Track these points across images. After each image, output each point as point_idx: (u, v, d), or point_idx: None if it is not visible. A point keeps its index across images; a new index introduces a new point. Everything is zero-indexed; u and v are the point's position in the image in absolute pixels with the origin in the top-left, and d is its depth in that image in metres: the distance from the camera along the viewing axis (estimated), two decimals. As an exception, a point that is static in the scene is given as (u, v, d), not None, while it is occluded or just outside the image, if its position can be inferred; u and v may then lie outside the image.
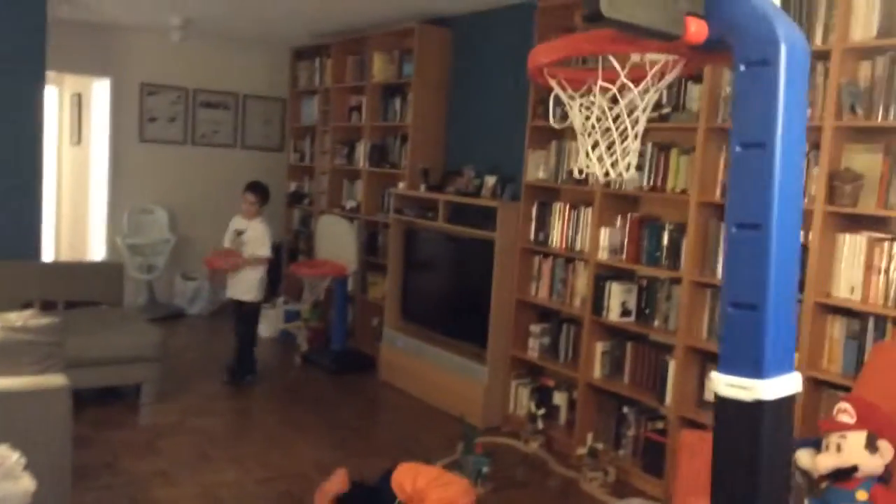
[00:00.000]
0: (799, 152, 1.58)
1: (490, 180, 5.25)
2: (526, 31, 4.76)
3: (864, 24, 3.25)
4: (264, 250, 5.59)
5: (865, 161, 3.30)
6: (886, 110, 3.19)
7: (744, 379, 1.60)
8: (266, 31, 7.24)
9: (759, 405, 1.59)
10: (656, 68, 1.80)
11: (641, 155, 4.22)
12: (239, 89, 8.13)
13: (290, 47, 7.86)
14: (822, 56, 3.38)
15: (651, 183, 4.18)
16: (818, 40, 3.40)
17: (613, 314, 4.32)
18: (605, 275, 4.39)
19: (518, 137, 5.00)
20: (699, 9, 1.60)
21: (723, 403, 1.65)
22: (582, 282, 4.56)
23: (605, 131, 1.89)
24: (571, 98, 1.93)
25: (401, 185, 6.06)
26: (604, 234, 4.38)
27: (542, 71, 1.92)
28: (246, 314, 5.64)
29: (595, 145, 1.91)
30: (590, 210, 4.48)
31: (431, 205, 5.50)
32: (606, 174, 1.92)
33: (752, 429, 1.61)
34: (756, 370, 1.59)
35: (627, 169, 1.92)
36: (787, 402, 1.63)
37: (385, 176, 6.47)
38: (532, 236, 4.89)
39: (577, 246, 4.61)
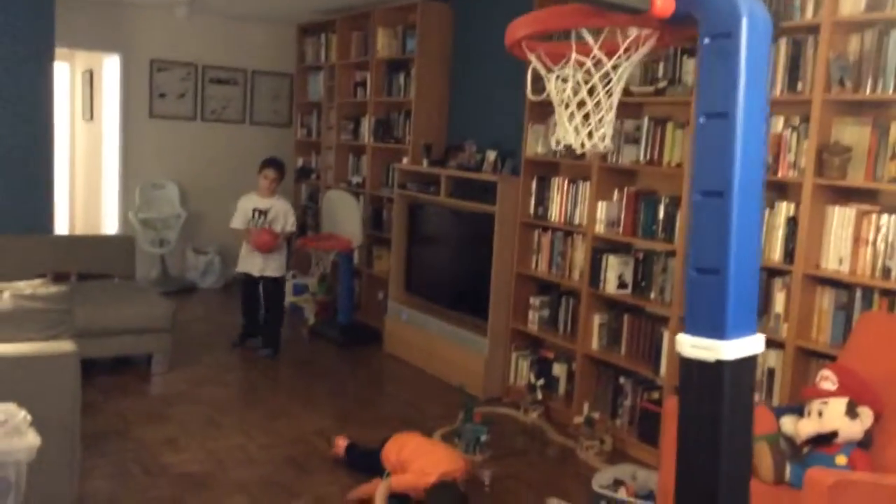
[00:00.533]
0: (760, 122, 1.64)
1: (491, 155, 5.31)
2: (526, 7, 4.77)
3: (853, -1, 3.29)
4: (294, 224, 5.75)
5: (854, 134, 3.34)
6: (875, 84, 3.23)
7: (707, 340, 1.68)
8: (272, 7, 7.29)
9: (720, 365, 1.66)
10: (628, 41, 1.86)
11: (638, 129, 4.28)
12: (247, 65, 8.20)
13: (297, 23, 7.91)
14: (811, 30, 3.42)
15: (647, 157, 4.24)
16: (808, 14, 3.44)
17: (610, 286, 4.40)
18: (602, 248, 4.47)
19: (518, 112, 5.06)
20: None
21: (687, 364, 1.72)
22: (580, 255, 4.64)
23: (580, 103, 1.96)
24: (549, 71, 1.99)
25: (404, 160, 6.14)
26: (601, 207, 4.45)
27: (520, 44, 1.98)
28: (277, 290, 5.75)
29: (571, 117, 1.98)
30: (588, 184, 4.54)
31: (434, 179, 5.58)
32: (582, 145, 1.98)
33: (714, 388, 1.69)
34: (718, 332, 1.66)
35: (603, 139, 1.99)
36: (749, 362, 1.70)
37: (389, 151, 6.54)
38: (532, 210, 4.97)
39: (576, 219, 4.68)
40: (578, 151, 2.04)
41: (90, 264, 5.60)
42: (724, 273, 1.64)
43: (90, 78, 8.62)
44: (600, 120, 1.97)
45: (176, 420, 4.35)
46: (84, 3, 7.26)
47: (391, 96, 6.49)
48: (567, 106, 1.98)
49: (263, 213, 5.60)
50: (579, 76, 1.92)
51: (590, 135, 1.98)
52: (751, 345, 1.69)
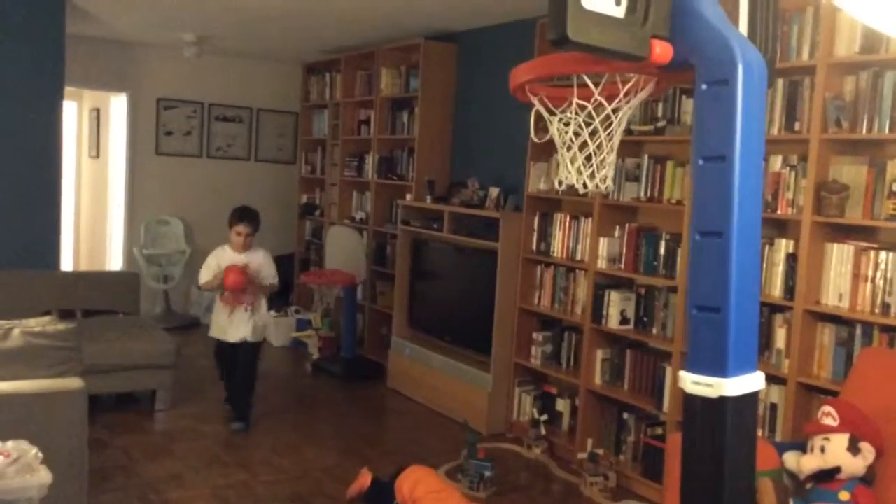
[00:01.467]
0: (757, 164, 1.69)
1: (494, 192, 5.37)
2: (528, 47, 4.89)
3: (847, 41, 3.36)
4: (275, 277, 5.05)
5: (851, 172, 3.40)
6: (871, 123, 3.30)
7: (709, 377, 1.71)
8: (278, 47, 7.42)
9: (722, 402, 1.69)
10: (628, 86, 1.91)
11: (638, 167, 4.34)
12: (252, 103, 8.32)
13: (302, 63, 8.04)
14: (808, 71, 3.49)
15: (648, 194, 4.30)
16: (805, 56, 3.52)
17: (613, 322, 4.43)
18: (604, 283, 4.51)
19: (520, 150, 5.13)
20: (664, 31, 1.69)
21: (690, 400, 1.75)
22: (582, 290, 4.67)
23: (582, 145, 2.01)
24: (551, 114, 2.05)
25: (408, 196, 6.20)
26: (603, 243, 4.49)
27: (523, 88, 2.04)
28: (250, 355, 4.95)
29: (574, 158, 2.03)
30: (589, 220, 4.59)
31: (437, 216, 5.64)
32: (584, 185, 2.03)
33: (716, 424, 1.71)
34: (720, 369, 1.69)
35: (604, 181, 2.04)
36: (750, 398, 1.73)
37: (393, 187, 6.61)
38: (534, 246, 5.01)
39: (578, 255, 4.73)
40: (581, 192, 2.09)
41: (95, 300, 5.64)
42: (724, 311, 1.67)
43: (97, 116, 8.74)
44: (602, 161, 2.02)
45: (180, 456, 4.35)
46: (94, 43, 7.39)
47: (395, 134, 6.58)
48: (569, 148, 2.03)
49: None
50: (581, 119, 1.98)
51: (591, 175, 2.02)
52: (752, 382, 1.72)
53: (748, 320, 1.71)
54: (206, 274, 4.94)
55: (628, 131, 4.32)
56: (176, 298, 7.90)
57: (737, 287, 1.67)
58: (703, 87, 1.67)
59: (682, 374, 1.75)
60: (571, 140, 2.02)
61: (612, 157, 2.03)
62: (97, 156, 8.84)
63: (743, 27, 1.87)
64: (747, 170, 1.65)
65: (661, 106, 4.23)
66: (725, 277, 1.66)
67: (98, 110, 8.70)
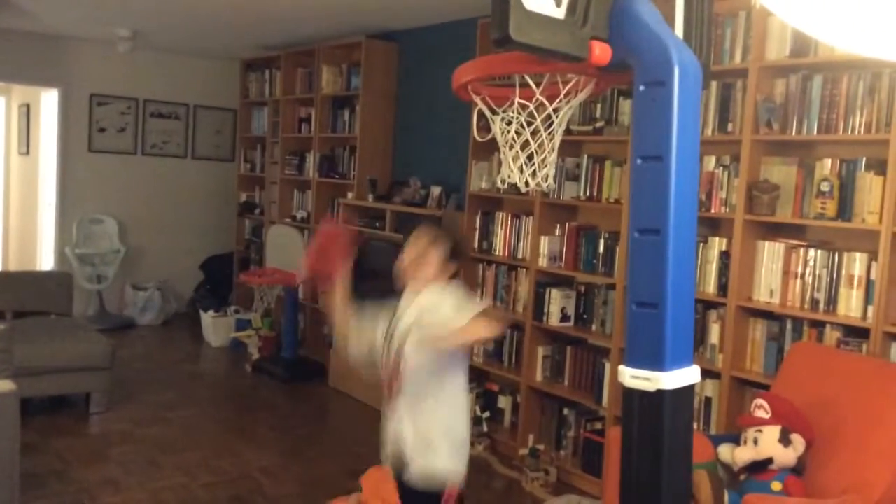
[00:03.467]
0: (693, 163, 1.73)
1: (436, 190, 5.39)
2: (469, 46, 4.92)
3: (778, 45, 3.47)
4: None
5: (782, 173, 3.51)
6: (800, 125, 3.41)
7: (647, 371, 1.74)
8: (215, 43, 7.30)
9: (660, 395, 1.73)
10: (568, 87, 1.94)
11: (578, 166, 4.41)
12: (189, 100, 8.17)
13: (240, 59, 7.93)
14: (740, 74, 3.59)
15: (587, 193, 4.36)
16: (737, 59, 3.62)
17: (554, 319, 4.49)
18: (545, 281, 4.56)
19: (462, 149, 5.15)
20: (603, 33, 1.72)
21: (629, 394, 1.79)
22: (524, 289, 4.72)
23: (524, 144, 2.03)
24: (494, 113, 2.07)
25: (349, 195, 6.17)
26: (544, 242, 4.55)
27: (465, 88, 2.06)
28: None
29: (516, 157, 2.05)
30: (531, 219, 4.64)
31: (379, 214, 5.63)
32: (526, 184, 2.06)
33: (654, 416, 1.75)
34: (657, 363, 1.73)
35: (546, 179, 2.06)
36: (687, 391, 1.78)
37: (334, 186, 6.58)
38: (476, 245, 5.04)
39: (519, 254, 4.78)
40: (523, 190, 2.11)
41: (26, 301, 5.47)
42: (662, 307, 1.71)
43: (27, 111, 8.48)
44: (543, 160, 2.05)
45: (116, 460, 4.26)
46: (24, 37, 7.17)
47: (336, 132, 6.54)
48: (511, 146, 2.05)
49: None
50: (523, 118, 2.00)
51: (533, 174, 2.05)
52: (688, 375, 1.76)
53: (684, 316, 1.75)
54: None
55: (568, 131, 4.37)
56: (110, 299, 7.71)
57: (673, 283, 1.70)
58: (641, 88, 1.70)
59: (622, 368, 1.78)
60: (514, 139, 2.04)
61: (552, 157, 2.06)
62: (27, 152, 8.58)
63: (679, 30, 1.92)
64: (683, 169, 1.69)
65: (599, 107, 4.30)
66: (663, 274, 1.70)
67: (28, 106, 8.44)
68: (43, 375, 4.67)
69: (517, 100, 1.97)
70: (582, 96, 1.99)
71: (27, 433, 4.28)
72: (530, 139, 2.02)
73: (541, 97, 1.94)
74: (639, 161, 1.72)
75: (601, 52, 1.72)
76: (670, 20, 1.89)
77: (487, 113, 2.08)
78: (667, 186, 1.67)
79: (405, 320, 2.51)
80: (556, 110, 2.00)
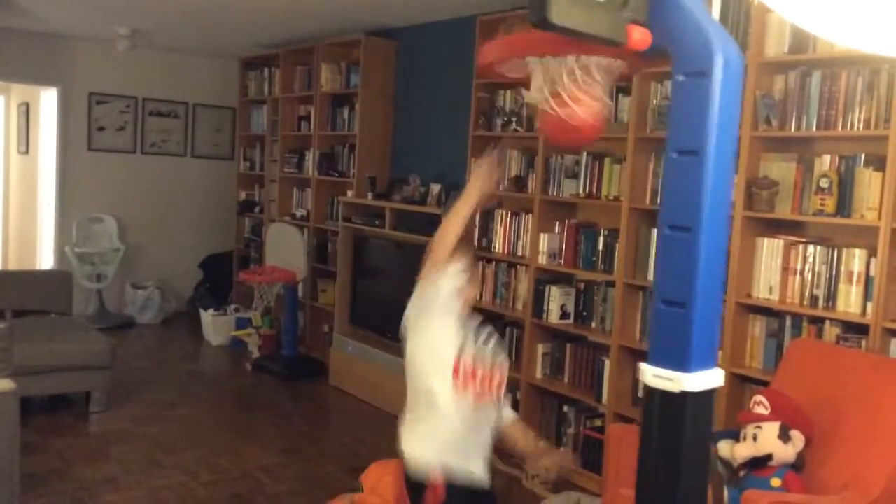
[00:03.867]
0: (729, 160, 1.67)
1: (435, 188, 5.39)
2: (468, 43, 4.92)
3: (777, 42, 3.47)
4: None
5: (781, 169, 3.51)
6: (799, 121, 3.41)
7: (670, 371, 1.72)
8: (214, 41, 7.30)
9: (683, 396, 1.69)
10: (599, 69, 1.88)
11: (577, 163, 4.41)
12: (188, 98, 8.17)
13: (239, 57, 7.92)
14: (739, 70, 3.58)
15: (586, 190, 4.36)
16: (736, 56, 3.61)
17: (553, 317, 4.49)
18: (544, 279, 4.56)
19: (461, 146, 5.15)
20: (643, 17, 1.65)
21: (650, 393, 1.76)
22: (523, 286, 4.72)
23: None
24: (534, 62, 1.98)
25: (349, 193, 6.17)
26: (543, 239, 4.55)
27: (492, 68, 2.00)
28: None
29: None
30: (530, 217, 4.64)
31: (379, 212, 5.63)
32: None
33: (676, 418, 1.71)
34: (682, 364, 1.69)
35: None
36: (709, 395, 1.74)
37: (334, 184, 6.57)
38: (476, 242, 5.04)
39: (519, 251, 4.78)
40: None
41: (26, 300, 5.47)
42: (689, 307, 1.66)
43: (27, 110, 8.47)
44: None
45: (116, 459, 4.26)
46: (23, 36, 7.17)
47: (335, 130, 6.54)
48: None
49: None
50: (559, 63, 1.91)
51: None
52: (712, 378, 1.73)
53: (711, 317, 1.70)
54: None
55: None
56: (109, 298, 7.71)
57: (702, 283, 1.65)
58: (681, 78, 1.65)
59: (643, 366, 1.74)
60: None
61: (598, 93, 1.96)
62: (26, 151, 8.57)
63: (716, 16, 1.85)
64: (720, 165, 1.61)
65: (598, 103, 4.29)
66: (692, 273, 1.64)
67: (27, 105, 8.43)
68: (43, 374, 4.68)
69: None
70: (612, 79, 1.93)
71: (27, 432, 4.29)
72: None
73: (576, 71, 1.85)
74: (674, 155, 1.67)
75: (640, 37, 1.65)
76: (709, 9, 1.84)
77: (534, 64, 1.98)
78: (701, 183, 1.61)
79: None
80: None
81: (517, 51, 1.99)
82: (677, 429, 1.71)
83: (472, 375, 2.41)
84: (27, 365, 4.49)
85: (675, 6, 1.66)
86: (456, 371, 2.40)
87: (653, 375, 1.72)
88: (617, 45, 1.65)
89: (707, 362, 1.71)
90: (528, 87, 1.96)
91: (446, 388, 2.40)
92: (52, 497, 3.72)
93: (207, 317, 7.08)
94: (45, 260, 7.97)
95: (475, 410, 2.42)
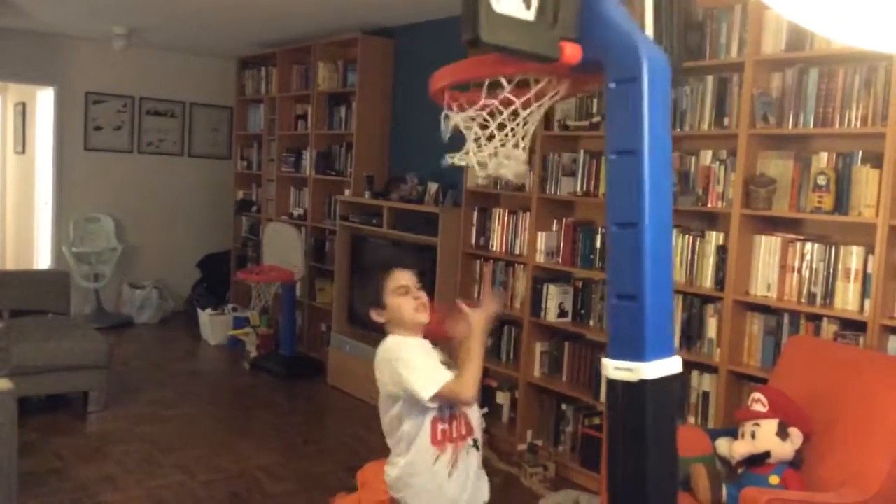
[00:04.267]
0: (665, 156, 1.75)
1: (433, 187, 5.39)
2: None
3: (774, 39, 3.47)
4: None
5: (778, 166, 3.51)
6: (796, 119, 3.41)
7: (629, 362, 1.77)
8: (211, 41, 7.29)
9: (642, 385, 1.75)
10: (538, 87, 1.96)
11: (574, 161, 4.41)
12: (185, 97, 8.16)
13: (236, 56, 7.91)
14: (736, 68, 3.59)
15: (584, 188, 4.36)
16: (733, 53, 3.62)
17: (551, 315, 4.49)
18: (542, 277, 4.56)
19: (459, 145, 5.13)
20: (573, 33, 1.75)
21: (612, 385, 1.80)
22: (521, 284, 4.72)
23: (489, 137, 2.07)
24: (466, 117, 2.11)
25: (346, 192, 6.17)
26: (541, 238, 4.55)
27: (442, 93, 2.09)
28: None
29: (480, 147, 2.09)
30: (527, 215, 4.64)
31: (376, 211, 5.62)
32: (485, 168, 2.10)
33: (638, 406, 1.78)
34: (639, 354, 1.75)
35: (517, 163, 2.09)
36: (669, 381, 1.79)
37: (331, 183, 6.57)
38: (473, 241, 5.04)
39: (516, 250, 4.78)
40: (480, 175, 2.14)
41: (23, 300, 5.47)
42: (641, 299, 1.73)
43: (23, 110, 8.46)
44: (507, 156, 2.08)
45: (114, 458, 4.26)
46: (19, 35, 7.15)
47: (332, 129, 6.53)
48: (477, 139, 2.09)
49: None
50: (484, 114, 2.04)
51: (500, 163, 2.08)
52: (670, 365, 1.78)
53: (663, 306, 1.77)
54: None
55: (564, 127, 4.38)
56: (107, 297, 7.71)
57: (651, 275, 1.72)
58: (612, 85, 1.73)
59: (605, 360, 1.80)
60: (477, 133, 2.08)
61: (518, 152, 2.09)
62: (23, 151, 8.56)
63: (649, 29, 1.95)
64: (657, 162, 1.71)
65: (595, 102, 4.30)
66: (640, 266, 1.72)
67: (24, 104, 8.42)
68: (40, 374, 4.67)
69: (486, 102, 2.00)
70: (556, 98, 2.01)
71: (25, 432, 4.28)
72: (496, 132, 2.04)
73: (517, 102, 1.96)
74: (613, 156, 1.75)
75: (572, 52, 1.75)
76: (640, 22, 1.93)
77: (460, 121, 2.12)
78: (641, 180, 1.70)
79: None
80: (525, 107, 2.02)
81: (465, 75, 2.07)
82: (640, 416, 1.76)
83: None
84: (25, 365, 4.49)
85: (603, 20, 1.74)
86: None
87: (614, 368, 1.77)
88: (551, 61, 1.72)
89: (664, 351, 1.76)
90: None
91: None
92: (50, 497, 3.71)
93: (205, 316, 7.08)
94: (43, 260, 7.96)
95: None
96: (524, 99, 1.95)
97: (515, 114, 2.00)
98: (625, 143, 1.70)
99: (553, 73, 1.90)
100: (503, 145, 2.04)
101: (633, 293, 1.72)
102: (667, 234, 1.75)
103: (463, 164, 2.07)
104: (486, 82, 1.96)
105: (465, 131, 2.07)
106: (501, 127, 2.01)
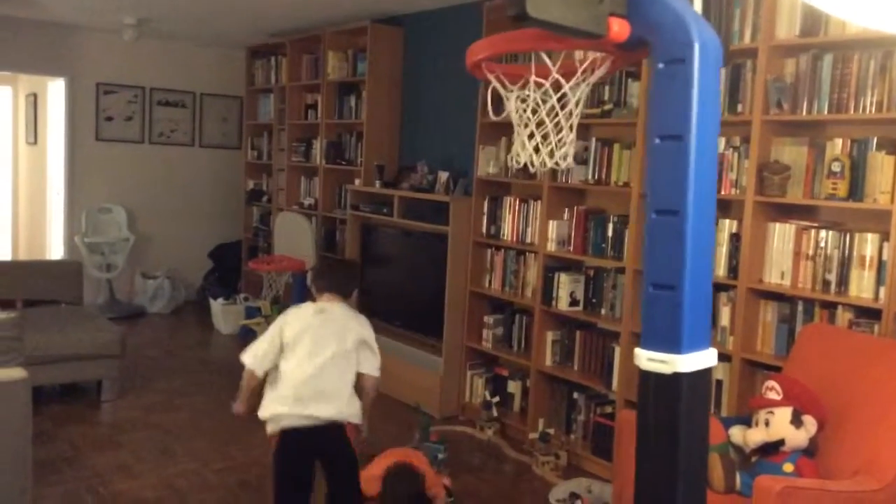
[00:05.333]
0: (712, 143, 1.70)
1: (443, 176, 5.37)
2: (475, 29, 4.88)
3: (787, 24, 3.44)
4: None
5: (792, 153, 3.48)
6: (810, 105, 3.38)
7: (663, 354, 1.73)
8: (221, 31, 7.28)
9: (677, 378, 1.71)
10: (585, 64, 1.92)
11: (586, 149, 4.38)
12: (195, 88, 8.17)
13: (246, 46, 7.90)
14: (750, 54, 3.56)
15: (596, 177, 4.34)
16: (747, 39, 3.58)
17: (563, 304, 4.48)
18: (554, 266, 4.55)
19: (469, 133, 5.13)
20: (621, 9, 1.69)
21: (645, 377, 1.77)
22: (532, 273, 4.71)
23: (539, 123, 2.01)
24: (509, 91, 2.04)
25: (357, 181, 6.16)
26: (552, 226, 4.53)
27: (479, 66, 2.03)
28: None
29: (531, 136, 2.03)
30: (539, 203, 4.62)
31: (387, 201, 5.62)
32: (543, 164, 2.03)
33: (671, 399, 1.74)
34: (674, 346, 1.71)
35: (564, 158, 2.04)
36: (703, 374, 1.76)
37: (341, 172, 6.57)
38: (484, 230, 5.03)
39: (528, 238, 4.76)
40: (533, 170, 2.09)
41: (37, 290, 5.50)
42: (679, 289, 1.69)
43: (34, 101, 8.48)
44: (560, 140, 2.03)
45: (128, 447, 4.28)
46: (29, 25, 7.17)
47: (342, 118, 6.52)
48: (526, 125, 2.03)
49: None
50: (538, 96, 1.98)
51: (550, 154, 2.03)
52: (705, 358, 1.74)
53: (702, 298, 1.73)
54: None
55: (576, 114, 4.35)
56: (120, 287, 7.74)
57: (692, 265, 1.68)
58: (660, 65, 1.67)
59: (637, 351, 1.77)
60: (528, 118, 2.02)
61: (571, 136, 2.04)
62: (35, 142, 8.59)
63: (697, 6, 1.89)
64: (703, 149, 1.65)
65: (607, 89, 4.27)
66: (681, 256, 1.67)
67: (35, 95, 8.45)
68: (54, 364, 4.70)
69: (533, 78, 1.94)
70: (598, 74, 1.96)
71: (39, 421, 4.32)
72: (546, 118, 1.99)
73: (556, 75, 1.92)
74: (657, 141, 1.69)
75: (619, 29, 1.69)
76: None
77: (502, 91, 2.06)
78: (686, 167, 1.64)
79: None
80: (571, 88, 1.98)
81: (504, 48, 2.01)
82: (673, 410, 1.72)
83: None
84: (39, 354, 4.51)
85: None
86: None
87: (647, 359, 1.73)
88: (597, 37, 1.67)
89: (700, 343, 1.72)
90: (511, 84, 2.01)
91: None
92: (64, 485, 3.74)
93: (217, 306, 7.10)
94: (56, 250, 7.99)
95: None
96: (574, 79, 1.89)
97: (563, 97, 1.94)
98: (670, 128, 1.65)
99: (598, 49, 1.85)
100: (560, 132, 1.99)
101: (671, 283, 1.68)
102: (709, 223, 1.70)
103: (523, 161, 2.03)
104: (533, 57, 1.90)
105: (514, 115, 2.01)
106: (549, 112, 1.96)
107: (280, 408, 2.93)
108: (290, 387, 2.94)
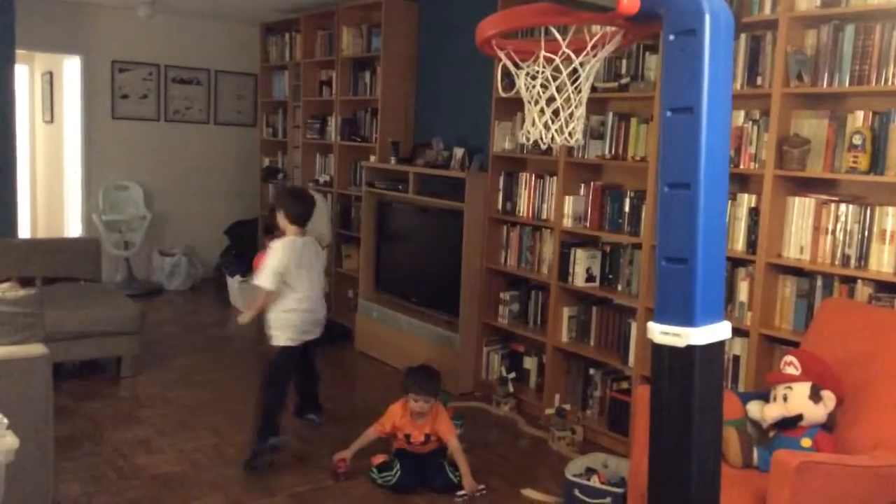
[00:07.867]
0: (724, 116, 1.69)
1: (458, 152, 5.35)
2: (490, 3, 4.83)
3: (808, -5, 3.38)
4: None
5: (812, 126, 3.44)
6: (831, 77, 3.33)
7: (677, 327, 1.72)
8: (234, 7, 7.25)
9: (690, 350, 1.71)
10: (595, 39, 1.90)
11: (603, 124, 4.35)
12: (210, 65, 8.16)
13: (260, 22, 7.87)
14: (769, 25, 3.50)
15: (612, 151, 4.31)
16: (767, 10, 3.53)
17: (579, 280, 4.46)
18: (570, 242, 4.53)
19: (484, 109, 5.10)
20: None
21: (658, 350, 1.77)
22: (548, 249, 4.70)
23: (550, 100, 2.00)
24: (518, 68, 2.03)
25: (372, 158, 6.15)
26: (568, 202, 4.51)
27: (490, 42, 2.02)
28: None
29: (541, 113, 2.02)
30: (554, 179, 4.60)
31: (402, 177, 5.61)
32: (553, 139, 2.02)
33: (685, 372, 1.74)
34: (688, 319, 1.71)
35: (573, 135, 2.03)
36: (717, 347, 1.76)
37: (356, 149, 6.55)
38: (500, 206, 5.02)
39: (543, 214, 4.74)
40: (545, 146, 2.07)
41: (55, 268, 5.54)
42: (692, 262, 1.68)
43: (50, 79, 8.51)
44: (570, 115, 2.01)
45: (148, 422, 4.32)
46: (45, 4, 7.17)
47: (357, 95, 6.50)
48: (536, 102, 2.02)
49: None
50: (548, 72, 1.96)
51: (560, 130, 2.02)
52: (719, 331, 1.74)
53: (715, 271, 1.72)
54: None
55: (593, 88, 4.28)
56: (137, 265, 7.80)
57: (704, 238, 1.67)
58: (671, 37, 1.66)
59: (651, 324, 1.76)
60: (539, 94, 2.01)
61: (580, 112, 2.02)
62: (51, 120, 8.63)
63: None
64: (715, 121, 1.65)
65: (624, 63, 4.23)
66: (693, 229, 1.67)
67: (51, 73, 8.47)
68: (74, 340, 4.75)
69: (543, 53, 1.93)
70: (609, 49, 1.95)
71: (60, 397, 4.35)
72: (556, 94, 1.98)
73: (567, 50, 1.90)
74: (669, 113, 1.68)
75: (629, 2, 1.68)
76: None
77: (512, 68, 2.04)
78: (698, 139, 1.64)
79: None
80: (582, 64, 1.96)
81: (514, 23, 1.99)
82: (687, 383, 1.72)
83: None
84: (58, 331, 4.55)
85: None
86: None
87: (660, 332, 1.73)
88: (607, 10, 1.65)
89: (713, 316, 1.72)
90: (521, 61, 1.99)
91: None
92: (85, 459, 3.79)
93: (234, 283, 7.13)
94: (74, 228, 8.05)
95: None
96: (585, 52, 1.88)
97: (574, 73, 1.93)
98: (681, 100, 1.64)
99: (609, 23, 1.83)
100: (570, 108, 1.98)
101: (684, 256, 1.67)
102: (722, 196, 1.70)
103: (535, 138, 2.02)
104: (543, 33, 1.89)
105: (524, 92, 2.00)
106: (559, 89, 1.95)
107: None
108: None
